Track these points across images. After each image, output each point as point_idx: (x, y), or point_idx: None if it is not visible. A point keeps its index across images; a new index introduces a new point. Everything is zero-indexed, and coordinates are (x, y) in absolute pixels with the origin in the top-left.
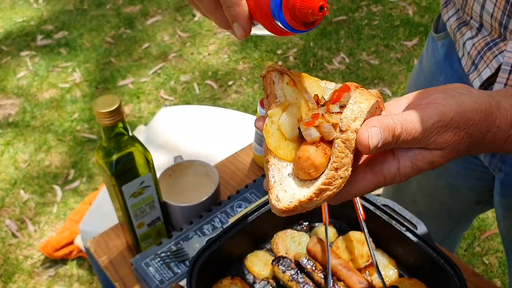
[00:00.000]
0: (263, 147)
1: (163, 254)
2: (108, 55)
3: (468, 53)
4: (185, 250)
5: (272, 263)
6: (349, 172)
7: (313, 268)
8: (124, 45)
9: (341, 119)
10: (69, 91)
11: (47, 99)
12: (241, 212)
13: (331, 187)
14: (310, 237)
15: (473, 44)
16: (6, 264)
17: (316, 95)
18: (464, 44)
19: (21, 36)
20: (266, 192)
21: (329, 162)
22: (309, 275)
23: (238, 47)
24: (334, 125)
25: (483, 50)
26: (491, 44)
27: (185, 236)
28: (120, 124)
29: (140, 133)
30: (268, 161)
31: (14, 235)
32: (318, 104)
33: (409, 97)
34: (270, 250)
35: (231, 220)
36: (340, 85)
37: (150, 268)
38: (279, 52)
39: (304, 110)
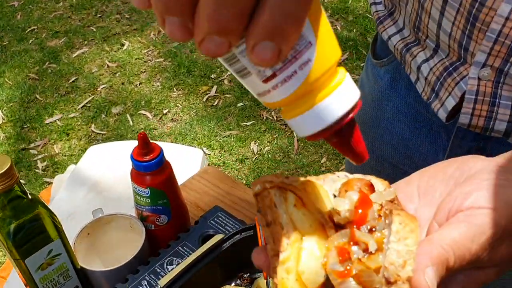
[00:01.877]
0: None
1: None
2: (33, 92)
3: (426, 78)
4: None
5: None
6: None
7: None
8: (50, 80)
9: (385, 266)
10: None
11: None
12: (172, 271)
13: None
14: None
15: (431, 69)
16: None
17: (329, 213)
18: (419, 67)
19: None
20: (201, 243)
21: None
22: None
23: (170, 73)
24: (376, 270)
25: (443, 76)
26: (450, 68)
27: None
28: (16, 187)
29: (70, 173)
30: None
31: None
32: (334, 225)
33: (420, 182)
34: None
35: (162, 282)
36: (346, 182)
37: None
38: (213, 76)
39: (322, 241)
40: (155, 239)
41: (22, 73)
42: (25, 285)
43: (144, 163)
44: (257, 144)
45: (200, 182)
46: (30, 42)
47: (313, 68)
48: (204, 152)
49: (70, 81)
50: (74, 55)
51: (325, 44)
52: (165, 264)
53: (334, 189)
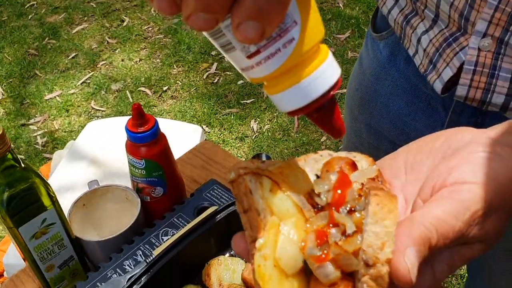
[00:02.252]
0: None
1: None
2: (33, 68)
3: (425, 50)
4: None
5: None
6: None
7: None
8: (50, 56)
9: (363, 249)
10: None
11: None
12: (167, 241)
13: None
14: (245, 263)
15: (430, 40)
16: None
17: (309, 195)
18: (419, 40)
19: None
20: (196, 215)
21: None
22: None
23: (170, 50)
24: (354, 253)
25: (442, 47)
26: (450, 39)
27: (103, 277)
28: (9, 155)
29: (69, 149)
30: None
31: None
32: (314, 208)
33: (407, 158)
34: (202, 284)
35: (156, 252)
36: (327, 162)
37: None
38: (213, 53)
39: (300, 224)
40: (150, 211)
41: (21, 49)
42: (22, 258)
43: (139, 134)
44: (257, 122)
45: (197, 156)
46: (29, 18)
47: (296, 47)
48: (204, 130)
49: (70, 57)
50: (74, 31)
51: (310, 23)
52: (160, 235)
53: (316, 169)
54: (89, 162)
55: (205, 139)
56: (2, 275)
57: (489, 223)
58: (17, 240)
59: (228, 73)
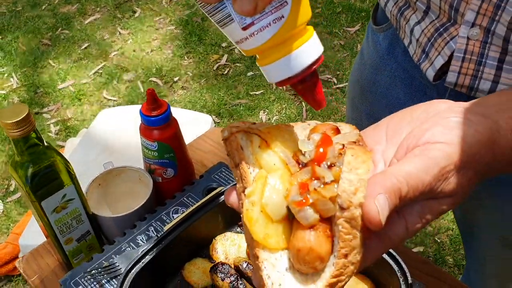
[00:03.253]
0: (245, 238)
1: (93, 271)
2: (46, 58)
3: (417, 40)
4: (118, 264)
5: (210, 271)
6: (361, 254)
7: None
8: (63, 46)
9: (339, 194)
10: (6, 98)
11: None
12: (177, 218)
13: (343, 277)
14: None
15: (422, 31)
16: None
17: (295, 154)
18: (412, 30)
19: None
20: (204, 195)
21: (333, 246)
22: (249, 280)
23: (181, 41)
24: (332, 199)
25: (433, 37)
26: (441, 29)
27: (118, 249)
28: (33, 135)
29: (82, 137)
30: (258, 257)
31: None
32: (299, 164)
33: (388, 126)
34: (209, 257)
35: (167, 228)
36: (314, 127)
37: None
38: (223, 45)
39: (286, 177)
40: (162, 191)
41: (35, 39)
42: (45, 234)
43: (152, 118)
44: (266, 113)
45: (206, 142)
46: (43, 8)
47: (285, 23)
48: (213, 120)
49: (83, 47)
50: (87, 22)
51: (299, 5)
52: (170, 213)
53: (303, 135)
54: (101, 148)
55: (215, 127)
56: (17, 257)
57: (457, 179)
58: (39, 213)
59: (238, 64)
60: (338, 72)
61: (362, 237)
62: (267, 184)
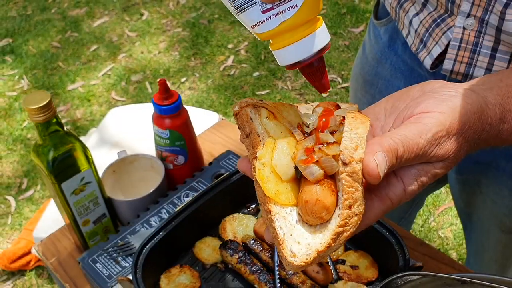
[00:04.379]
0: (257, 196)
1: (110, 250)
2: (56, 60)
3: (416, 31)
4: (132, 243)
5: (219, 248)
6: (364, 206)
7: (260, 248)
8: (72, 49)
9: (341, 150)
10: (17, 99)
11: None
12: (188, 201)
13: (348, 227)
14: (257, 219)
15: (421, 22)
16: None
17: (299, 124)
18: (410, 21)
19: None
20: (213, 180)
21: (337, 200)
22: (256, 256)
23: (188, 43)
24: (335, 157)
25: (431, 27)
26: (438, 20)
27: (132, 230)
28: (54, 120)
29: (91, 135)
30: (270, 211)
31: None
32: (304, 134)
33: (387, 104)
34: (219, 236)
35: (178, 208)
36: (317, 105)
37: (97, 265)
38: (230, 46)
39: (292, 144)
40: (173, 177)
41: (45, 42)
42: (66, 222)
43: (164, 107)
44: None
45: (214, 134)
46: (52, 12)
47: (298, 12)
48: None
49: (91, 49)
50: (95, 25)
51: (312, 1)
52: (182, 197)
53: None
54: (112, 144)
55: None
56: (30, 252)
57: (448, 145)
58: (59, 196)
59: (244, 65)
60: (343, 72)
61: (363, 191)
62: (276, 148)
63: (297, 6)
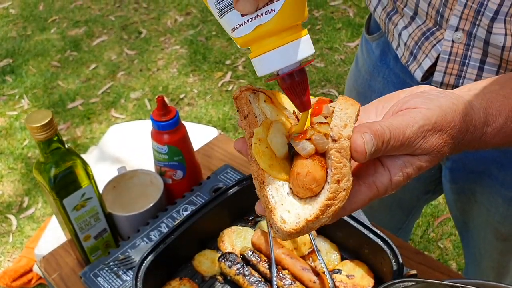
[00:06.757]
0: (251, 172)
1: (111, 264)
2: (56, 79)
3: (405, 43)
4: (133, 257)
5: (218, 260)
6: (351, 182)
7: (258, 260)
8: (71, 68)
9: (331, 128)
10: (18, 118)
11: None
12: (187, 215)
13: (336, 201)
14: (254, 231)
15: (410, 34)
16: None
17: (294, 111)
18: (400, 34)
19: None
20: (210, 193)
21: (327, 175)
22: (254, 267)
23: (186, 60)
24: (325, 135)
25: (421, 40)
26: (427, 33)
27: (133, 244)
28: (55, 138)
29: (92, 153)
30: (264, 182)
31: None
32: (298, 119)
33: (378, 103)
34: (217, 248)
35: (177, 222)
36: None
37: (99, 279)
38: (227, 62)
39: (287, 126)
40: (172, 192)
41: (45, 61)
42: (68, 238)
43: (162, 123)
44: None
45: (212, 148)
46: (52, 32)
47: (275, 17)
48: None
49: (91, 68)
50: (94, 44)
51: (293, 5)
52: (180, 210)
53: None
54: (112, 161)
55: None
56: (31, 270)
57: (434, 139)
58: (60, 211)
59: (242, 81)
60: (339, 86)
61: (351, 167)
62: (271, 126)
63: (274, 11)
